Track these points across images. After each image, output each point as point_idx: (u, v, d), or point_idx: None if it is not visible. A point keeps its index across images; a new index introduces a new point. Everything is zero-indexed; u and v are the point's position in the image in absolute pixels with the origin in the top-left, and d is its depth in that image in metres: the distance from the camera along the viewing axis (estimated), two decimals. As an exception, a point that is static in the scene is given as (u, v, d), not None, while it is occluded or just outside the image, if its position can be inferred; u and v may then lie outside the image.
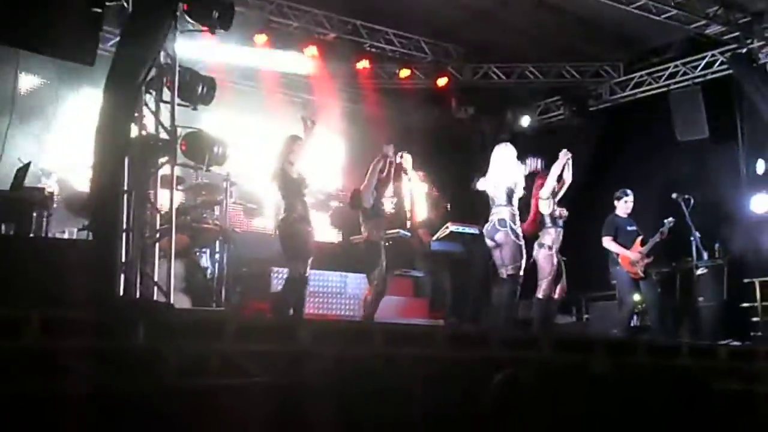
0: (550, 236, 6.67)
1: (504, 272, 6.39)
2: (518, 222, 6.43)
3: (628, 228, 7.25)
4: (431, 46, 9.53)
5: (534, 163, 6.68)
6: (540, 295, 6.73)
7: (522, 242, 6.39)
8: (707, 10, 8.07)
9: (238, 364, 4.41)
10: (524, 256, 6.40)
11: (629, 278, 7.17)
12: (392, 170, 6.81)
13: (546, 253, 6.65)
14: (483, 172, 6.81)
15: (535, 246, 6.70)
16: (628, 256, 7.15)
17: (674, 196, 7.30)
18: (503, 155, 6.58)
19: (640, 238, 7.24)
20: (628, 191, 7.35)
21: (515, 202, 6.45)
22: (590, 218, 8.21)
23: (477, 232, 8.23)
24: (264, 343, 4.62)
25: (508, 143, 6.76)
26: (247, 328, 4.72)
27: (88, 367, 3.98)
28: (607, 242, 7.17)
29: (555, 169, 6.69)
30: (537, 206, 6.78)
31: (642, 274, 7.15)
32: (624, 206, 7.29)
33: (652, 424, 4.54)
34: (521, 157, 6.70)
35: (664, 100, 9.26)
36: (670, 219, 7.22)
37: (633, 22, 8.32)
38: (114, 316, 4.24)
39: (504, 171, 6.48)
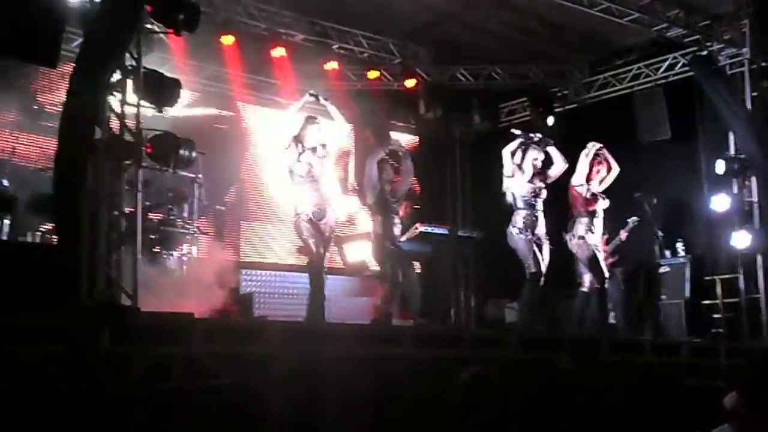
0: (582, 226, 6.61)
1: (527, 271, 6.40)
2: (522, 222, 6.41)
3: None
4: (399, 48, 9.56)
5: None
6: (583, 287, 6.68)
7: (528, 240, 6.37)
8: (668, 13, 8.23)
9: (205, 366, 4.40)
10: (534, 253, 6.39)
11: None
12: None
13: (576, 242, 6.61)
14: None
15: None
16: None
17: (637, 195, 7.45)
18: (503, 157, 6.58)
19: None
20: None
21: (520, 203, 6.44)
22: (556, 217, 8.31)
23: (446, 232, 8.31)
24: (230, 345, 4.62)
25: (513, 140, 6.64)
26: (213, 331, 4.72)
27: (54, 372, 3.95)
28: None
29: (583, 159, 6.63)
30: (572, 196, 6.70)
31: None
32: None
33: (617, 419, 4.63)
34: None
35: (628, 101, 9.42)
36: (634, 218, 7.36)
37: (597, 24, 8.44)
38: (79, 320, 4.19)
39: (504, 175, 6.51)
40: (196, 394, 4.33)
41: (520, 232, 6.38)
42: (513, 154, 6.54)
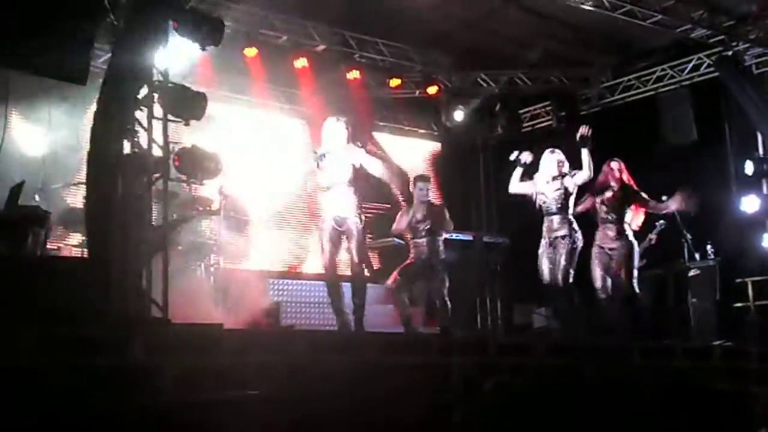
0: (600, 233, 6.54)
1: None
2: (549, 227, 6.32)
3: None
4: (420, 55, 9.60)
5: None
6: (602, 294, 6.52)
7: (543, 253, 6.33)
8: (692, 14, 8.16)
9: (236, 377, 4.44)
10: (540, 266, 6.37)
11: None
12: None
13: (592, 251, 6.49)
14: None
15: None
16: None
17: (664, 198, 7.37)
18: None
19: None
20: None
21: (545, 210, 6.34)
22: (582, 221, 8.26)
23: (471, 238, 8.30)
24: (259, 355, 4.66)
25: (547, 150, 6.52)
26: (243, 341, 4.77)
27: (86, 385, 4.01)
28: None
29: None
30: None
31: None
32: None
33: (645, 424, 4.58)
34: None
35: (653, 103, 9.35)
36: (662, 222, 7.29)
37: (620, 27, 8.41)
38: (110, 332, 4.26)
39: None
40: (226, 405, 4.37)
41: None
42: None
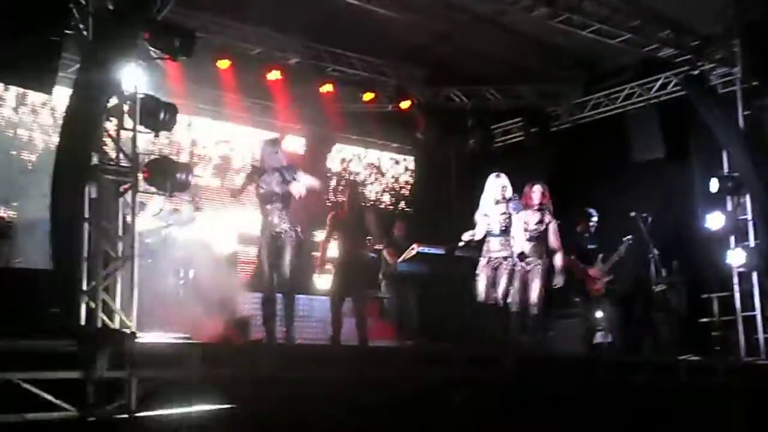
0: None
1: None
2: (486, 249, 6.51)
3: (589, 246, 7.41)
4: (394, 69, 9.65)
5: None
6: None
7: (481, 267, 6.50)
8: (659, 34, 8.32)
9: (202, 390, 4.40)
10: (477, 285, 6.53)
11: (590, 296, 7.31)
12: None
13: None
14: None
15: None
16: (589, 275, 7.29)
17: (632, 214, 7.49)
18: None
19: (600, 256, 7.39)
20: (593, 211, 7.49)
21: (487, 231, 6.52)
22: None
23: (443, 252, 8.32)
24: (226, 368, 4.62)
25: (492, 174, 6.70)
26: (211, 355, 4.73)
27: (54, 397, 3.95)
28: (567, 261, 7.27)
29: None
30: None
31: (603, 292, 7.30)
32: (585, 225, 7.46)
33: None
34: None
35: (621, 120, 9.49)
36: (629, 237, 7.40)
37: (589, 44, 8.52)
38: (77, 345, 4.20)
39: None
40: (194, 419, 4.33)
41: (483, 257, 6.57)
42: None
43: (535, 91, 10.05)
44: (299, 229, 6.13)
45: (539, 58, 9.26)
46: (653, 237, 7.56)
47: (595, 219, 7.44)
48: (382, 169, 10.93)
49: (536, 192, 6.72)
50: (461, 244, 6.88)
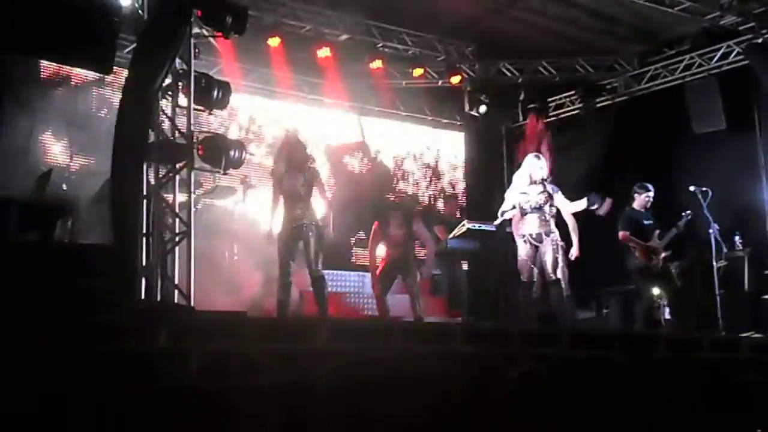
0: None
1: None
2: (523, 227, 6.48)
3: (645, 222, 7.23)
4: (444, 44, 9.54)
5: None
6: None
7: (521, 244, 6.48)
8: (721, 1, 8.01)
9: (259, 364, 4.46)
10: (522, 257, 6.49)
11: (647, 272, 7.15)
12: None
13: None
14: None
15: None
16: (645, 250, 7.12)
17: (692, 188, 7.26)
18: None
19: (657, 232, 7.21)
20: (649, 186, 7.29)
21: (525, 209, 6.48)
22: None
23: (494, 229, 8.24)
24: (282, 342, 4.67)
25: (531, 154, 6.69)
26: (267, 329, 4.79)
27: (112, 372, 4.05)
28: (624, 236, 7.14)
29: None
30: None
31: (660, 268, 7.12)
32: (642, 200, 7.26)
33: (673, 417, 4.53)
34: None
35: (680, 92, 9.20)
36: (688, 212, 7.19)
37: (647, 14, 8.28)
38: (136, 319, 4.30)
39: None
40: (250, 393, 4.39)
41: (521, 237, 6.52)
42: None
43: (590, 64, 9.81)
44: (319, 223, 6.16)
45: (594, 30, 9.02)
46: (713, 211, 7.32)
47: (651, 194, 7.25)
48: (438, 172, 10.75)
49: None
50: (498, 221, 6.87)
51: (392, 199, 7.46)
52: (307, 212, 6.06)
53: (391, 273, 6.85)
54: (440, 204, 10.27)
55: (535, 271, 6.46)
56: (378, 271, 6.88)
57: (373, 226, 7.01)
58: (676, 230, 7.17)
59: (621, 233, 7.14)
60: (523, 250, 6.47)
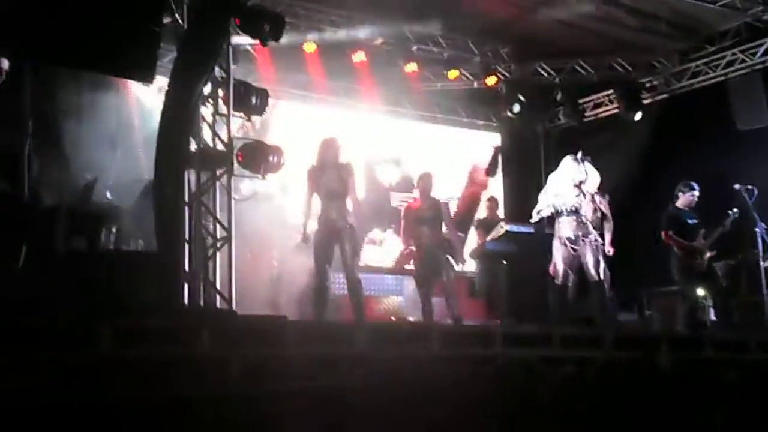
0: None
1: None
2: (560, 230, 6.43)
3: (690, 221, 7.08)
4: (478, 46, 9.50)
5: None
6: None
7: (557, 247, 6.46)
8: (764, -5, 7.84)
9: (300, 368, 4.50)
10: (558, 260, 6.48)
11: (692, 272, 7.01)
12: None
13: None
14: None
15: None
16: (689, 250, 6.98)
17: (736, 187, 7.10)
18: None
19: (702, 231, 7.06)
20: (694, 185, 7.12)
21: (562, 211, 6.47)
22: (649, 211, 8.03)
23: (532, 231, 8.18)
24: (322, 347, 4.70)
25: (569, 155, 6.65)
26: (305, 333, 4.82)
27: (158, 375, 4.13)
28: (667, 236, 7.00)
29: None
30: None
31: (705, 268, 6.98)
32: (687, 199, 7.10)
33: (718, 420, 4.43)
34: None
35: (722, 89, 9.02)
36: (735, 210, 7.01)
37: (688, 10, 8.14)
38: (180, 323, 4.38)
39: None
40: (289, 396, 4.43)
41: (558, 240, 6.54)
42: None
43: (629, 62, 9.66)
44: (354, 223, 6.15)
45: (633, 27, 8.88)
46: (759, 210, 7.15)
47: (697, 193, 7.10)
48: (476, 174, 10.60)
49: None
50: (534, 220, 6.84)
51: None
52: (342, 212, 6.07)
53: (425, 267, 6.81)
54: (479, 206, 10.21)
55: (571, 274, 6.40)
56: (414, 269, 6.87)
57: (402, 225, 7.00)
58: (722, 229, 7.01)
59: (663, 233, 7.00)
60: (558, 253, 6.43)
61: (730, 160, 8.10)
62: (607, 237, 6.53)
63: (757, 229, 7.05)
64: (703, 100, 9.25)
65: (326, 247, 6.04)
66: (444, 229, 6.87)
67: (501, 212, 9.21)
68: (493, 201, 8.86)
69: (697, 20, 8.67)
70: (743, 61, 8.93)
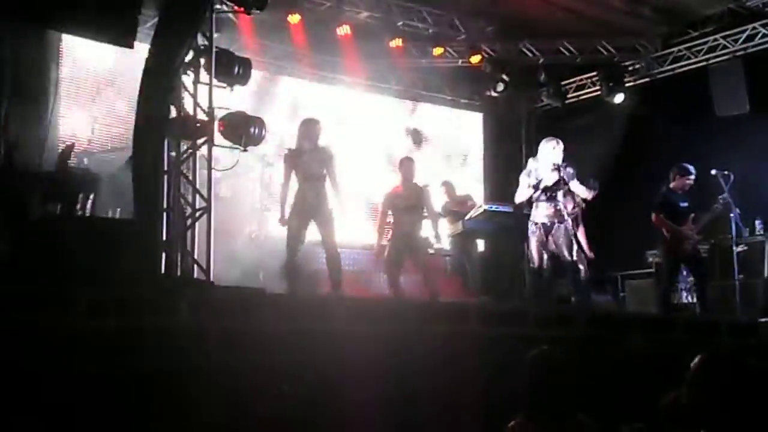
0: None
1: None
2: (535, 215, 6.49)
3: (681, 204, 6.98)
4: (464, 23, 9.45)
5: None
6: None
7: (532, 231, 6.52)
8: (748, -19, 7.87)
9: (275, 341, 4.51)
10: (532, 244, 6.55)
11: (677, 256, 7.02)
12: None
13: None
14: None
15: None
16: (677, 234, 6.97)
17: (714, 172, 7.15)
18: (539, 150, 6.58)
19: (692, 216, 7.03)
20: (691, 169, 6.97)
21: (543, 195, 6.47)
22: (625, 195, 8.12)
23: (511, 210, 8.23)
24: (299, 321, 4.71)
25: (548, 138, 6.62)
26: (283, 306, 4.83)
27: (136, 345, 4.11)
28: (657, 218, 6.89)
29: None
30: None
31: (689, 252, 6.99)
32: (682, 183, 6.97)
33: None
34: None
35: (704, 74, 9.08)
36: (724, 196, 6.95)
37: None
38: (158, 293, 4.35)
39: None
40: (266, 369, 4.44)
41: (533, 225, 6.54)
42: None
43: (613, 45, 9.68)
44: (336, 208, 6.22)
45: (618, 10, 8.89)
46: (735, 195, 7.23)
47: (693, 177, 6.93)
48: (457, 153, 10.62)
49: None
50: (516, 201, 6.87)
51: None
52: (320, 195, 6.09)
53: (399, 251, 6.85)
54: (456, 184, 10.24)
55: (545, 258, 6.45)
56: (387, 252, 6.88)
57: (381, 206, 7.02)
58: (710, 215, 6.98)
59: (653, 214, 6.90)
60: (534, 237, 6.47)
61: (708, 146, 8.19)
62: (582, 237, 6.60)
63: (732, 215, 7.12)
64: (685, 84, 9.31)
65: (299, 227, 6.07)
66: (425, 213, 6.91)
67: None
68: (447, 185, 8.86)
69: (681, 5, 8.69)
70: (725, 47, 8.99)
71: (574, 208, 7.10)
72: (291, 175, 6.15)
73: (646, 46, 9.69)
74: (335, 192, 6.20)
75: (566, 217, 6.49)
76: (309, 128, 6.23)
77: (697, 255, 7.10)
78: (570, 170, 6.52)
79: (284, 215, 6.17)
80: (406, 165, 7.06)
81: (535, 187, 6.46)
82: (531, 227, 6.52)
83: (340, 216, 6.19)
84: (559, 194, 6.48)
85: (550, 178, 6.44)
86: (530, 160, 6.64)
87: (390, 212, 6.94)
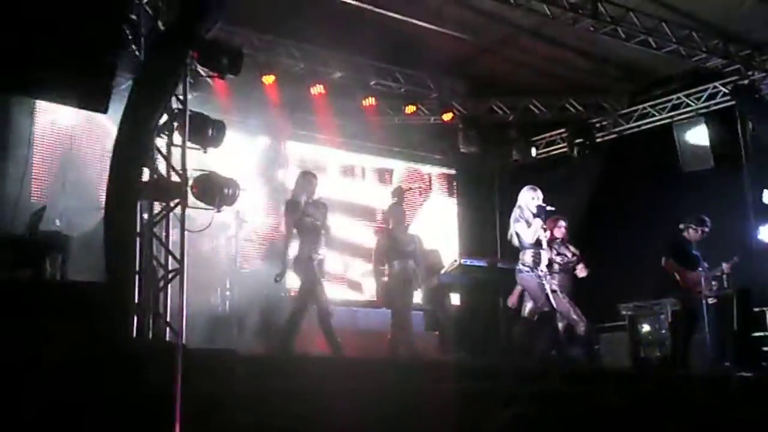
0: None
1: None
2: (529, 261, 6.50)
3: (693, 252, 7.18)
4: (436, 82, 9.68)
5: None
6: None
7: (524, 278, 6.52)
8: (708, 43, 8.19)
9: (248, 401, 4.46)
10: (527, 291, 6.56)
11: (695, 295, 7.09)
12: None
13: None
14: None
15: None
16: (689, 278, 7.06)
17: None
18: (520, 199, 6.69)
19: (705, 266, 7.17)
20: (707, 220, 7.18)
21: (527, 245, 6.51)
22: (597, 247, 8.22)
23: (485, 264, 8.31)
24: (271, 380, 4.67)
25: (529, 186, 6.74)
26: (257, 366, 4.79)
27: (103, 410, 4.04)
28: (666, 263, 7.07)
29: None
30: None
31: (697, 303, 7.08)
32: (697, 234, 7.17)
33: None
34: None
35: (668, 131, 9.34)
36: (736, 258, 7.21)
37: (636, 55, 8.45)
38: (128, 357, 4.30)
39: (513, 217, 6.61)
40: (238, 429, 4.37)
41: (530, 271, 6.47)
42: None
43: (580, 102, 9.96)
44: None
45: (584, 69, 9.18)
46: (702, 249, 7.38)
47: (707, 229, 7.16)
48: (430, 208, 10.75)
49: (562, 227, 7.26)
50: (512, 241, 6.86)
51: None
52: (319, 247, 6.20)
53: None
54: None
55: (540, 304, 6.43)
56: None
57: (374, 254, 7.06)
58: (720, 271, 7.19)
59: (664, 260, 7.08)
60: (530, 282, 6.45)
61: (675, 201, 8.38)
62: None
63: (700, 268, 7.25)
64: (650, 141, 9.56)
65: (314, 287, 6.14)
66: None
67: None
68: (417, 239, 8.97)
69: (644, 65, 9.00)
70: (688, 105, 9.29)
71: (573, 256, 7.20)
72: (293, 228, 6.20)
73: (613, 104, 9.97)
74: (329, 243, 6.34)
75: (566, 265, 6.61)
76: (308, 181, 6.34)
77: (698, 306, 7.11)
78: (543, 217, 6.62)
79: (284, 270, 6.17)
80: (397, 211, 7.21)
81: (520, 241, 6.52)
82: (522, 274, 6.50)
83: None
84: (544, 242, 6.56)
85: (536, 224, 6.51)
86: (515, 208, 6.67)
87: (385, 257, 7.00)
